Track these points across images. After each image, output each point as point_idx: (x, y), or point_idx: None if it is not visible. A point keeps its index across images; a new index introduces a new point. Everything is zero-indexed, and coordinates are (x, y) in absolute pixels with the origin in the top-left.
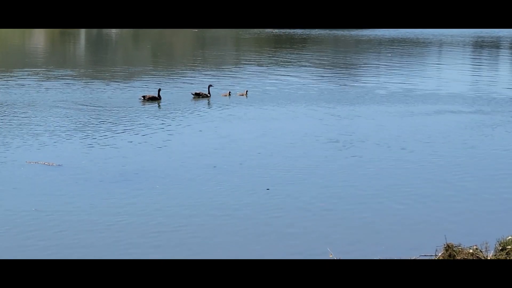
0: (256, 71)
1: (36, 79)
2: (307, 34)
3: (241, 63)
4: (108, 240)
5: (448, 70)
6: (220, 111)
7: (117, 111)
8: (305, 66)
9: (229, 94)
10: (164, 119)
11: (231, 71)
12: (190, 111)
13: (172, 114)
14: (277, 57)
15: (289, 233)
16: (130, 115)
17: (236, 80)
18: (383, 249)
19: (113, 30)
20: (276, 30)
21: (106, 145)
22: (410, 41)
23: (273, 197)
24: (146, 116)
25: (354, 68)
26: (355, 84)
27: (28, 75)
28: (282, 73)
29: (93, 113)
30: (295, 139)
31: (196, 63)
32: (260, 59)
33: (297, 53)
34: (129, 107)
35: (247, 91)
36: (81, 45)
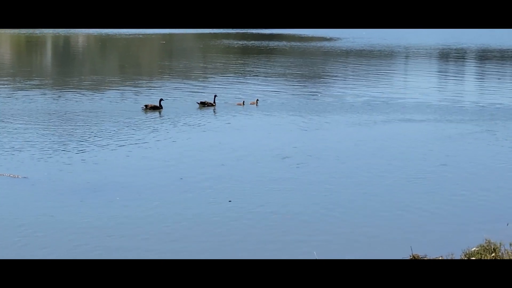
0: (224, 81)
1: (1, 89)
2: (275, 45)
3: (209, 74)
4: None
5: (414, 80)
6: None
7: (85, 122)
8: (272, 76)
9: (243, 104)
10: (138, 131)
11: (198, 81)
12: (161, 123)
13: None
14: (245, 68)
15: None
16: (100, 126)
17: (205, 90)
18: (349, 255)
19: (80, 38)
20: (242, 42)
21: (74, 157)
22: (377, 52)
23: (233, 208)
24: (116, 128)
25: (321, 79)
26: (322, 94)
27: None
28: (250, 83)
29: (62, 123)
30: (262, 151)
31: (163, 74)
32: (228, 70)
33: (264, 64)
34: (97, 117)
35: (257, 100)
36: (48, 54)
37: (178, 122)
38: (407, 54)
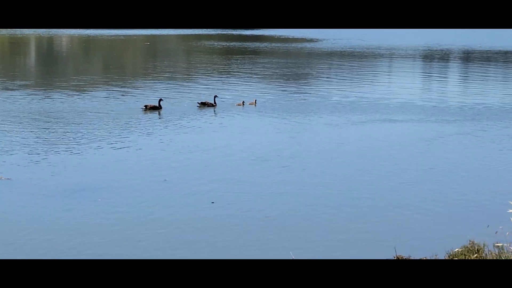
0: (208, 82)
1: None
2: (258, 46)
3: (193, 74)
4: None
5: (398, 81)
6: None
7: (78, 122)
8: (257, 77)
9: (243, 104)
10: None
11: (183, 82)
12: (142, 123)
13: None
14: (229, 68)
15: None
16: (92, 126)
17: (191, 91)
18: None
19: (63, 39)
20: (226, 43)
21: (60, 158)
22: (360, 53)
23: (217, 210)
24: (110, 128)
25: (306, 80)
26: (306, 95)
27: None
28: (235, 84)
29: (47, 125)
30: (246, 152)
31: (148, 75)
32: (212, 71)
33: (249, 65)
34: (82, 118)
35: (256, 100)
36: (32, 55)
37: (175, 123)
38: (390, 55)
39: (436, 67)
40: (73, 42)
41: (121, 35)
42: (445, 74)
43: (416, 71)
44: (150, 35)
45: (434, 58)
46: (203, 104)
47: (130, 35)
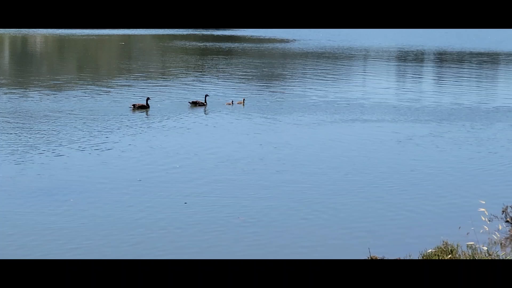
0: (183, 82)
1: None
2: (232, 47)
3: (168, 74)
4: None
5: (372, 81)
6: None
7: (42, 122)
8: (235, 77)
9: (232, 103)
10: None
11: (163, 81)
12: (128, 123)
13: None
14: (207, 68)
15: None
16: (70, 127)
17: (164, 91)
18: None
19: (38, 39)
20: (201, 43)
21: (41, 160)
22: (333, 54)
23: (190, 209)
24: (86, 129)
25: (284, 80)
26: (287, 95)
27: None
28: (215, 83)
29: (23, 124)
30: (220, 151)
31: (126, 74)
32: (188, 70)
33: (225, 65)
34: (68, 118)
35: (244, 100)
36: (5, 55)
37: (162, 122)
38: (364, 56)
39: (410, 68)
40: (47, 42)
41: (94, 35)
42: (419, 75)
43: (390, 72)
44: (124, 35)
45: (407, 59)
46: (194, 103)
47: (103, 35)
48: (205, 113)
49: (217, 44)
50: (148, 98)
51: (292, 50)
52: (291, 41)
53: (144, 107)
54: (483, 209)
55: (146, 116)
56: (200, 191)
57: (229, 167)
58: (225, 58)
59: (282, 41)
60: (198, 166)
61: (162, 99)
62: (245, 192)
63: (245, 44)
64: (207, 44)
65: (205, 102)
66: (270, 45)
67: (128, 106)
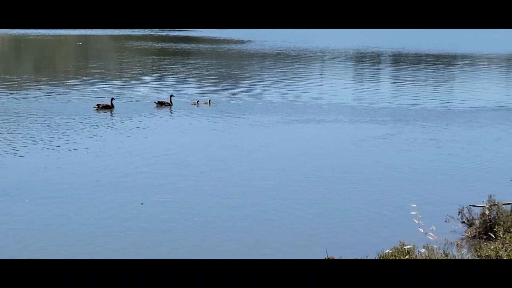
0: (145, 83)
1: None
2: (191, 47)
3: (128, 75)
4: None
5: (330, 82)
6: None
7: (15, 123)
8: (193, 77)
9: (198, 103)
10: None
11: (119, 81)
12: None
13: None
14: (165, 69)
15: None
16: (34, 127)
17: (125, 91)
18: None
19: None
20: (159, 44)
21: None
22: (290, 54)
23: (146, 210)
24: (49, 129)
25: (241, 80)
26: (243, 95)
27: None
28: (173, 84)
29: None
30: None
31: (82, 74)
32: (148, 71)
33: (183, 65)
34: (31, 118)
35: (210, 100)
36: None
37: (125, 122)
38: (321, 56)
39: (367, 69)
40: (2, 42)
41: (50, 35)
42: (376, 76)
43: (347, 73)
44: (81, 35)
45: (364, 60)
46: (160, 104)
47: (59, 35)
48: (171, 113)
49: (174, 45)
50: (112, 98)
51: (248, 50)
52: (247, 42)
53: (109, 107)
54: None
55: (110, 116)
56: (159, 191)
57: (190, 167)
58: (183, 59)
59: (238, 42)
60: (160, 166)
61: (126, 99)
62: (204, 192)
63: (201, 45)
64: (164, 44)
65: (171, 102)
66: (227, 46)
67: (92, 106)
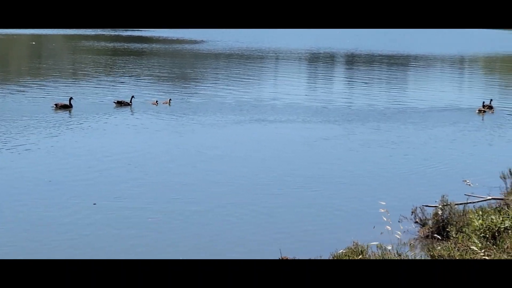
0: (100, 82)
1: None
2: (144, 47)
3: (84, 74)
4: None
5: (284, 82)
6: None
7: None
8: (145, 77)
9: (157, 103)
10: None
11: (75, 81)
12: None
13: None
14: (120, 68)
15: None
16: None
17: (81, 91)
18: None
19: None
20: (113, 43)
21: None
22: (245, 55)
23: (99, 211)
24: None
25: (194, 80)
26: (195, 94)
27: None
28: (128, 83)
29: None
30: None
31: (37, 74)
32: (104, 71)
33: (138, 65)
34: None
35: (170, 100)
36: None
37: (82, 122)
38: (275, 57)
39: (321, 69)
40: None
41: (2, 35)
42: (330, 76)
43: (301, 73)
44: (34, 34)
45: (318, 60)
46: (119, 103)
47: (11, 35)
48: (130, 113)
49: (127, 45)
50: (71, 98)
51: (202, 51)
52: (200, 42)
53: (67, 107)
54: (384, 210)
55: (69, 115)
56: (113, 191)
57: (146, 167)
58: (138, 58)
59: (191, 42)
60: (117, 166)
61: (84, 98)
62: (159, 192)
63: (154, 45)
64: (117, 44)
65: (131, 102)
66: (180, 46)
67: (50, 106)
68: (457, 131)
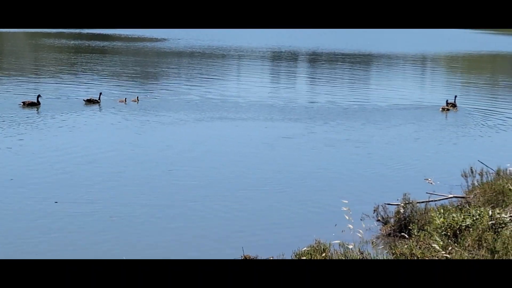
0: (61, 81)
1: None
2: (105, 45)
3: (48, 72)
4: None
5: (246, 81)
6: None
7: None
8: (110, 75)
9: (125, 100)
10: None
11: (35, 79)
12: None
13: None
14: (83, 66)
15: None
16: None
17: (45, 88)
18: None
19: None
20: (75, 41)
21: None
22: (207, 53)
23: (60, 209)
24: None
25: (155, 78)
26: (160, 92)
27: None
28: (93, 82)
29: None
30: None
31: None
32: (64, 68)
33: (99, 63)
34: None
35: (138, 97)
36: None
37: (49, 120)
38: (238, 55)
39: (283, 67)
40: None
41: None
42: (293, 75)
43: (264, 72)
44: None
45: (280, 59)
46: (89, 101)
47: None
48: (99, 111)
49: (88, 43)
50: (39, 95)
51: (163, 49)
52: (161, 40)
53: (35, 104)
54: (346, 208)
55: (37, 113)
56: (76, 190)
57: (108, 165)
58: (101, 56)
59: (152, 40)
60: (80, 164)
61: (50, 96)
62: (122, 191)
63: (116, 43)
64: (79, 42)
65: (99, 99)
66: (142, 44)
67: (17, 103)
68: (421, 130)
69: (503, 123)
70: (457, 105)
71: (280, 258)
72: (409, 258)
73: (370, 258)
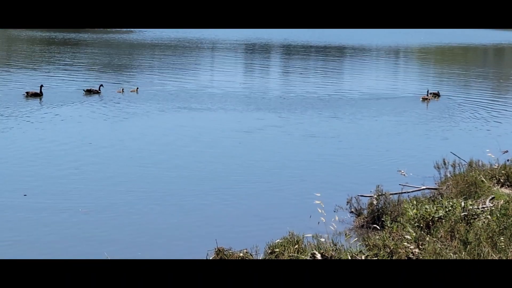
0: (34, 71)
1: None
2: (80, 37)
3: (17, 64)
4: None
5: (220, 72)
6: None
7: None
8: (78, 66)
9: (123, 91)
10: None
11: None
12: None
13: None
14: (49, 58)
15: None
16: None
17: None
18: (153, 253)
19: None
20: (47, 33)
21: None
22: (178, 45)
23: (28, 202)
24: None
25: (128, 69)
26: (128, 84)
27: None
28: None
29: None
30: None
31: None
32: (33, 61)
33: (67, 54)
34: None
35: (137, 88)
36: None
37: (49, 110)
38: (212, 47)
39: (257, 59)
40: None
41: None
42: (266, 66)
43: (238, 63)
44: None
45: (254, 50)
46: (89, 91)
47: None
48: (99, 101)
49: (62, 35)
50: (41, 86)
51: (138, 40)
52: (137, 31)
53: (38, 95)
54: (319, 201)
55: (39, 103)
56: (44, 182)
57: (86, 156)
58: (76, 48)
59: (126, 32)
60: (65, 154)
61: (55, 86)
62: (94, 183)
63: (89, 34)
64: (53, 34)
65: (99, 90)
66: (116, 36)
67: (21, 93)
68: (392, 121)
69: (477, 114)
70: (440, 94)
71: (253, 251)
72: (408, 258)
73: (370, 259)
